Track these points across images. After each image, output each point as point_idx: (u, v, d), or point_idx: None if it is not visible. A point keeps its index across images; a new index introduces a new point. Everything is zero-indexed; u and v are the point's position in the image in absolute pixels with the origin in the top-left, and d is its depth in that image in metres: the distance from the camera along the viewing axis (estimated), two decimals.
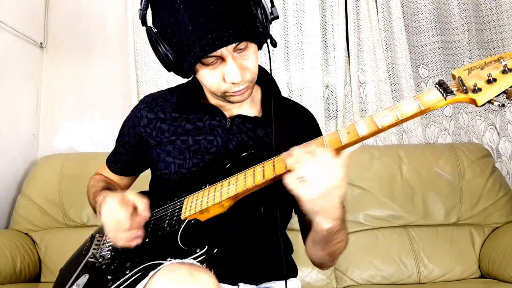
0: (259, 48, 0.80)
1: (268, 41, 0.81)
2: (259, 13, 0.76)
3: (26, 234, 1.61)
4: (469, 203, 1.53)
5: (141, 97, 1.86)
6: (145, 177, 0.98)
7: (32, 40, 1.84)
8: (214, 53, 0.72)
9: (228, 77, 0.75)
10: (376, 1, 1.81)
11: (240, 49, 0.74)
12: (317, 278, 1.48)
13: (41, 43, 1.90)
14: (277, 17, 0.80)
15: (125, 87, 1.90)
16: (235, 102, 0.83)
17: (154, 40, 0.76)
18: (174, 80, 1.86)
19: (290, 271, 0.92)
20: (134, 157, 0.99)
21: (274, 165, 0.68)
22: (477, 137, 1.79)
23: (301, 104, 1.00)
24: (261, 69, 0.92)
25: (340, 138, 0.64)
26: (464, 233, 1.52)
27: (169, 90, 0.97)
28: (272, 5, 0.79)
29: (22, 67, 1.80)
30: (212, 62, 0.74)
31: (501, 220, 1.53)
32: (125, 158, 1.01)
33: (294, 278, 0.92)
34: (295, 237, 0.96)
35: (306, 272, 1.47)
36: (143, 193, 0.95)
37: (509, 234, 1.45)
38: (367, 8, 1.79)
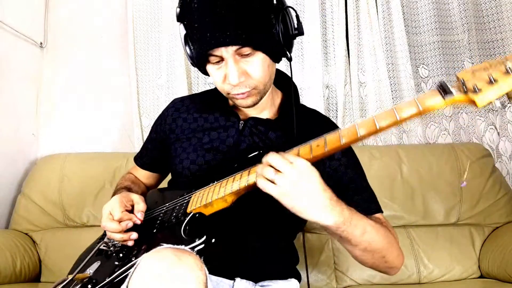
0: (275, 60, 0.83)
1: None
2: (278, 26, 0.78)
3: (26, 234, 1.61)
4: (469, 203, 1.53)
5: (141, 97, 1.90)
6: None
7: (32, 40, 1.84)
8: (214, 52, 0.76)
9: (226, 78, 0.79)
10: (376, 1, 1.81)
11: (245, 54, 0.77)
12: (317, 278, 1.48)
13: (41, 43, 1.90)
14: (301, 34, 0.81)
15: (125, 87, 1.90)
16: (242, 106, 0.86)
17: (182, 36, 0.82)
18: (174, 80, 1.86)
19: (291, 272, 0.92)
20: (158, 154, 1.06)
21: None
22: (477, 137, 1.79)
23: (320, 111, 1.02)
24: (284, 75, 0.97)
25: (339, 137, 0.66)
26: (464, 233, 1.52)
27: (200, 93, 1.06)
28: (298, 21, 0.81)
29: (22, 67, 1.80)
30: (217, 61, 0.79)
31: (501, 220, 1.52)
32: (151, 154, 1.09)
33: (294, 279, 0.93)
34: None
35: None
36: (159, 189, 1.04)
37: (509, 234, 1.45)
38: (367, 8, 1.79)
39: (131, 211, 0.84)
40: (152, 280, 0.56)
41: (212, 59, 0.79)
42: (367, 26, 1.79)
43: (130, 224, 0.80)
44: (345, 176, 0.87)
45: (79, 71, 1.93)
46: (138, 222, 0.82)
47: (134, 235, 0.80)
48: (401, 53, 1.78)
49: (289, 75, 0.92)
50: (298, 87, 1.81)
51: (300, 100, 1.02)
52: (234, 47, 0.75)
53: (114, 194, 1.00)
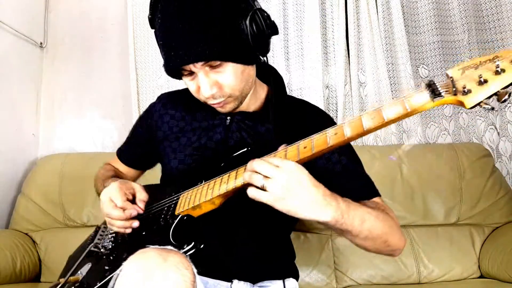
0: (248, 63, 0.80)
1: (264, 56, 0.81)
2: (247, 30, 0.75)
3: (26, 234, 1.61)
4: (469, 203, 1.53)
5: (141, 97, 1.89)
6: (153, 171, 1.03)
7: (32, 40, 1.84)
8: (183, 67, 0.76)
9: (200, 91, 0.79)
10: (376, 1, 1.81)
11: (215, 66, 0.75)
12: (317, 278, 1.48)
13: (41, 43, 1.90)
14: (274, 33, 0.79)
15: (125, 87, 1.90)
16: (221, 112, 0.85)
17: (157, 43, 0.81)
18: (174, 80, 1.85)
19: (288, 271, 0.92)
20: (143, 150, 1.04)
21: None
22: (477, 137, 1.79)
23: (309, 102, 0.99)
24: (270, 68, 0.94)
25: (327, 138, 0.64)
26: (464, 233, 1.52)
27: (187, 89, 1.01)
28: (270, 21, 0.79)
29: (22, 67, 1.80)
30: (188, 73, 0.78)
31: (501, 220, 1.52)
32: (134, 150, 1.07)
33: (292, 278, 0.92)
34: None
35: (306, 272, 1.47)
36: (147, 186, 0.99)
37: (509, 234, 1.45)
38: (367, 8, 1.79)
39: (132, 200, 0.82)
40: (138, 281, 0.56)
41: (184, 72, 0.78)
42: (367, 26, 1.79)
43: (135, 213, 0.78)
44: (339, 163, 0.85)
45: (79, 71, 1.93)
46: (141, 211, 0.80)
47: (136, 223, 0.78)
48: (401, 53, 1.78)
49: (278, 70, 0.90)
50: (298, 87, 1.85)
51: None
52: (201, 62, 0.74)
53: (97, 182, 0.99)
